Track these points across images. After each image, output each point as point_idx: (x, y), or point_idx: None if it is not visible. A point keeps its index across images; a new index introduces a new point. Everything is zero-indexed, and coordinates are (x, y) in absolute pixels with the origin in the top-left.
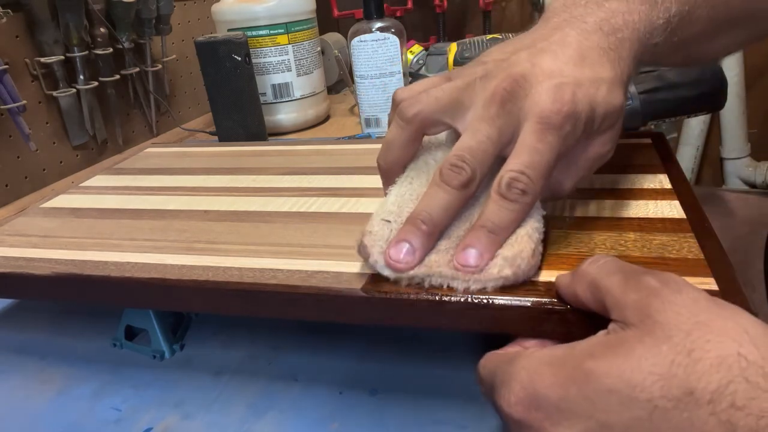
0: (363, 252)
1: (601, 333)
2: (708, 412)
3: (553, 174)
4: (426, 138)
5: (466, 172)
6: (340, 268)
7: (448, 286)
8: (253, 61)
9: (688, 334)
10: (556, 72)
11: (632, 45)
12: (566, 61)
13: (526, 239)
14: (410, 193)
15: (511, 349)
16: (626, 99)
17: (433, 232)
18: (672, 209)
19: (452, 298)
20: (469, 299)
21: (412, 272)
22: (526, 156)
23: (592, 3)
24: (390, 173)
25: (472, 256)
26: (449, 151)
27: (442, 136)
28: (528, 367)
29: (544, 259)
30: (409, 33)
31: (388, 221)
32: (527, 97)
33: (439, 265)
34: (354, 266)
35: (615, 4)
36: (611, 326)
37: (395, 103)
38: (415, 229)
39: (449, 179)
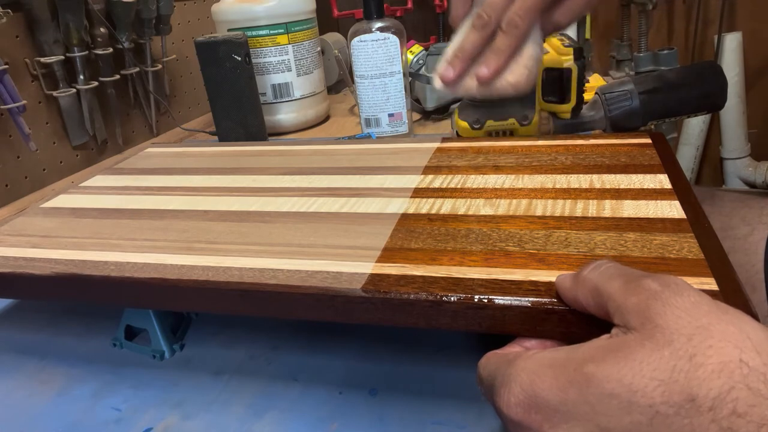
0: (431, 81)
1: (604, 337)
2: (709, 419)
3: (552, 14)
4: None
5: (484, 18)
6: (340, 268)
7: (474, 93)
8: (253, 61)
9: (690, 339)
10: None
11: None
12: None
13: (522, 69)
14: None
15: (511, 349)
16: None
17: (466, 58)
18: (672, 209)
19: (452, 298)
20: (470, 299)
21: (457, 89)
22: (518, 3)
23: None
24: (456, 20)
25: (484, 68)
26: None
27: None
28: (528, 368)
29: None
30: (409, 33)
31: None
32: None
33: (470, 87)
34: (354, 266)
35: None
36: (614, 330)
37: None
38: (455, 58)
39: (475, 24)
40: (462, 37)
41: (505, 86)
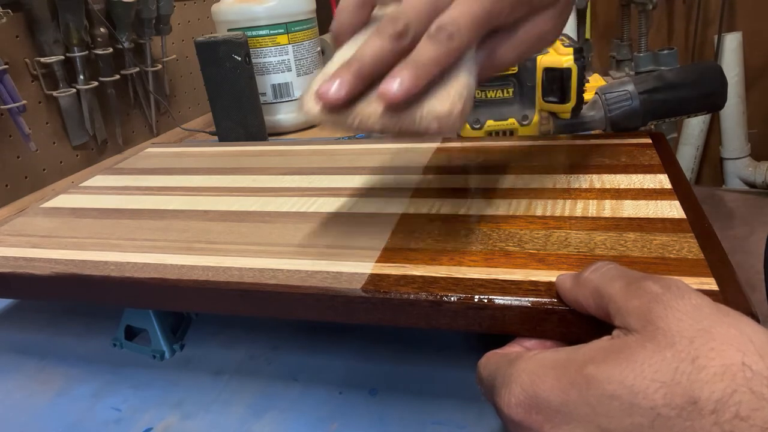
0: (302, 107)
1: (605, 338)
2: (711, 422)
3: (496, 46)
4: (378, 12)
5: (400, 23)
6: (340, 268)
7: (378, 126)
8: (253, 61)
9: (692, 341)
10: None
11: None
12: None
13: (456, 97)
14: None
15: (511, 349)
16: None
17: (363, 72)
18: (672, 209)
19: (452, 298)
20: (470, 299)
21: (348, 119)
22: (458, 8)
23: None
24: (340, 36)
25: (394, 84)
26: None
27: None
28: (529, 369)
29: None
30: None
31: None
32: None
33: (369, 116)
34: (354, 266)
35: None
36: (615, 332)
37: None
38: (346, 68)
39: (384, 29)
40: (361, 46)
41: (428, 118)
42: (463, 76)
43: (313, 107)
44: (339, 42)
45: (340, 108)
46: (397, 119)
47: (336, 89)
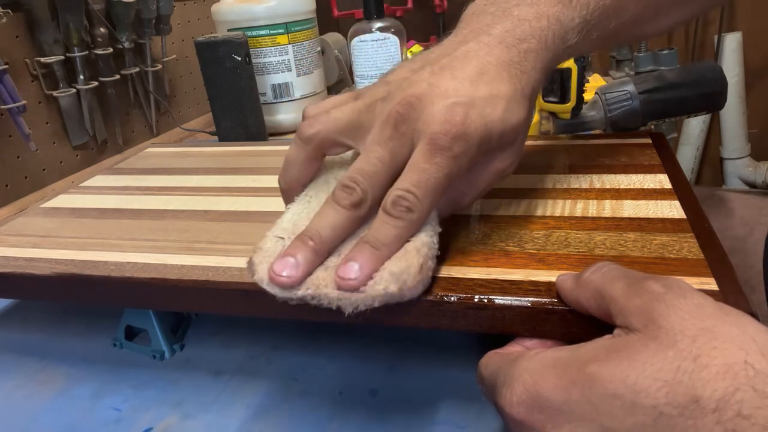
0: (250, 269)
1: (606, 337)
2: (713, 420)
3: (455, 189)
4: (330, 158)
5: (357, 193)
6: None
7: (337, 307)
8: (253, 61)
9: (694, 340)
10: (451, 91)
11: (538, 55)
12: (464, 79)
13: (414, 254)
14: (307, 211)
15: (512, 349)
16: (529, 112)
17: (320, 249)
18: (672, 209)
19: (452, 298)
20: (470, 299)
21: (300, 293)
22: (414, 175)
23: (500, 11)
24: (289, 192)
25: (353, 269)
26: None
27: (348, 155)
28: (531, 368)
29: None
30: (409, 33)
31: (282, 238)
32: (419, 119)
33: (326, 285)
34: None
35: (524, 10)
36: (616, 331)
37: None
38: (302, 244)
39: (339, 199)
40: (302, 216)
41: (391, 290)
42: (424, 235)
43: (264, 278)
44: (289, 196)
45: (296, 284)
46: (356, 292)
47: (292, 270)
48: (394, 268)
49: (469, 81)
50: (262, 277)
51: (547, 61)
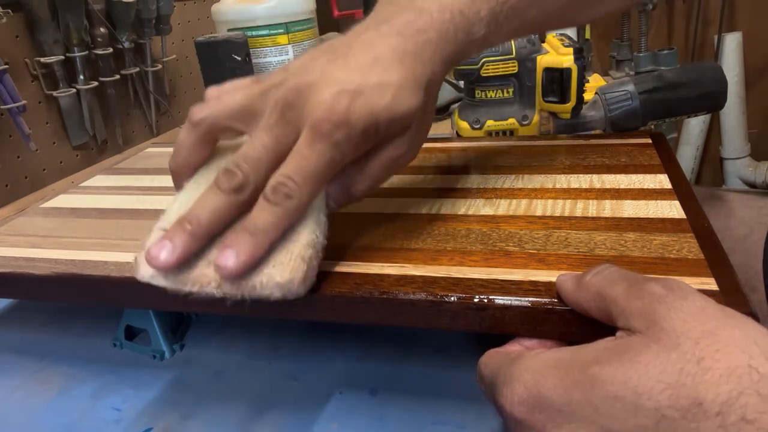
0: (135, 267)
1: (608, 339)
2: (716, 424)
3: (346, 176)
4: (224, 143)
5: (238, 178)
6: (340, 268)
7: (221, 293)
8: (253, 61)
9: (697, 343)
10: (341, 80)
11: (437, 46)
12: (355, 68)
13: (299, 262)
14: (195, 199)
15: (512, 348)
16: (425, 102)
17: (198, 233)
18: (672, 209)
19: (452, 299)
20: (470, 299)
21: (182, 287)
22: (295, 162)
23: (407, 1)
24: (179, 176)
25: (230, 257)
26: None
27: (243, 140)
28: (532, 368)
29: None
30: None
31: (166, 230)
32: (305, 107)
33: (209, 283)
34: (358, 267)
35: (428, 2)
36: (618, 333)
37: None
38: (180, 229)
39: (220, 183)
40: (191, 199)
41: (269, 285)
42: (307, 232)
43: (146, 271)
44: (178, 180)
45: (174, 268)
46: (237, 286)
47: (168, 253)
48: (278, 278)
49: (361, 70)
50: (143, 273)
51: (449, 53)
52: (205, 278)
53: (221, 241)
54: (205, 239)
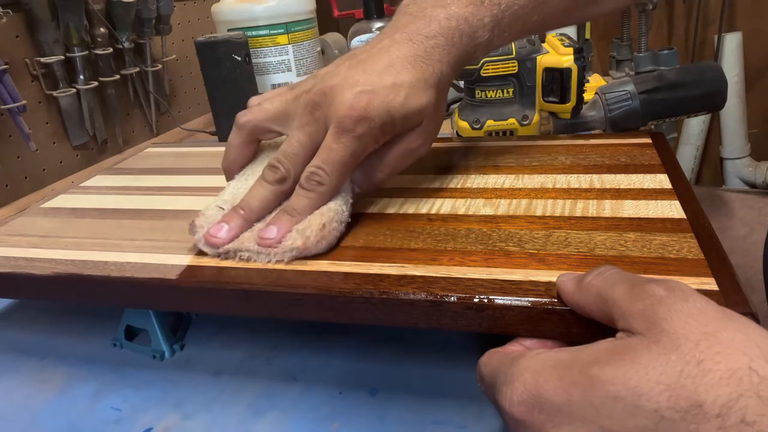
0: (192, 230)
1: (609, 339)
2: (716, 426)
3: (368, 165)
4: (266, 142)
5: (281, 171)
6: (340, 268)
7: (253, 260)
8: (253, 61)
9: (697, 344)
10: (360, 82)
11: (445, 50)
12: (373, 71)
13: (317, 216)
14: (245, 187)
15: (512, 348)
16: (436, 99)
17: (249, 217)
18: (672, 209)
19: (452, 299)
20: (470, 299)
21: (226, 246)
22: (324, 154)
23: (418, 10)
24: (229, 171)
25: (271, 231)
26: None
27: (282, 139)
28: (532, 368)
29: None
30: None
31: (222, 208)
32: (331, 106)
33: (249, 241)
34: (353, 266)
35: (437, 11)
36: (619, 334)
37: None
38: (235, 214)
39: (266, 176)
40: (241, 190)
41: (297, 245)
42: (333, 203)
43: (202, 241)
44: (229, 175)
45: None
46: (270, 250)
47: (225, 233)
48: (299, 225)
49: (378, 73)
50: (199, 237)
51: (456, 56)
52: (245, 239)
53: (265, 220)
54: (254, 222)
